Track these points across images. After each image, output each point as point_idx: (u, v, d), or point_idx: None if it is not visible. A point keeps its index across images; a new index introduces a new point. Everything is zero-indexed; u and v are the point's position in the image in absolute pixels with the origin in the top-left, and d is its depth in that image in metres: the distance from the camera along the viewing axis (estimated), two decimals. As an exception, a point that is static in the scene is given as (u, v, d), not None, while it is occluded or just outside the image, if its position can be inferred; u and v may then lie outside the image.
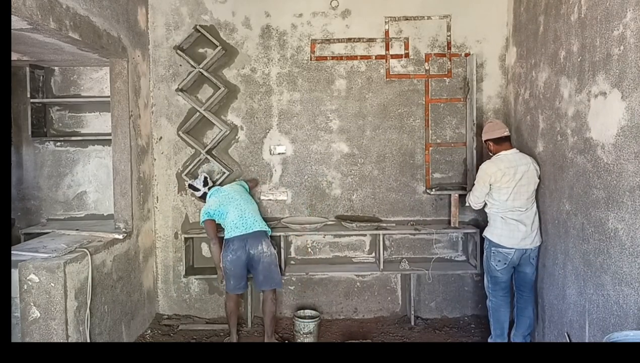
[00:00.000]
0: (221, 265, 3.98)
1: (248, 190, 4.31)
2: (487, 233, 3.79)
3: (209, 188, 4.27)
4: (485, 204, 3.82)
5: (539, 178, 3.70)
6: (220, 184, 4.46)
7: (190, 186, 4.35)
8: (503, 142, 3.74)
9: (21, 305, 2.99)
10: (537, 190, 3.76)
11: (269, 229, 4.09)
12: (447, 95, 4.61)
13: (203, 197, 4.30)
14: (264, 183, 4.65)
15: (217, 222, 4.06)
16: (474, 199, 3.83)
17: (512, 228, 3.64)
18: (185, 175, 4.50)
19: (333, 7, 4.58)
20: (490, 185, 3.68)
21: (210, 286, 4.69)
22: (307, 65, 4.61)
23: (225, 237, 3.97)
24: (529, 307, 3.79)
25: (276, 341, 4.12)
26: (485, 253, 3.81)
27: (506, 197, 3.63)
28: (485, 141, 3.85)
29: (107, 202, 4.64)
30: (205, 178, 4.32)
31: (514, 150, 3.74)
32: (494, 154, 3.77)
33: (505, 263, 3.68)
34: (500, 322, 3.82)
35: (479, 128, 4.56)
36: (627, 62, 2.60)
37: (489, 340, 3.93)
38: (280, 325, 4.51)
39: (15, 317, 3.01)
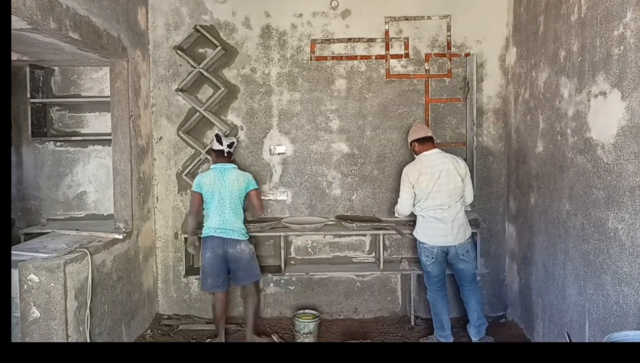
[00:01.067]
0: (200, 263, 4.01)
1: (247, 188, 3.96)
2: (414, 231, 3.93)
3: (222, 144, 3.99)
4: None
5: (466, 175, 3.81)
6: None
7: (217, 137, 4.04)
8: (426, 142, 3.86)
9: (21, 305, 2.99)
10: (536, 190, 3.76)
11: (247, 236, 4.00)
12: (447, 95, 4.61)
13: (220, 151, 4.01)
14: (264, 184, 4.65)
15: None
16: (400, 203, 3.89)
17: (431, 226, 3.78)
18: (185, 175, 4.50)
19: (333, 7, 4.58)
20: (412, 186, 3.77)
21: (210, 286, 4.69)
22: (307, 65, 4.60)
23: (203, 235, 3.94)
24: (471, 300, 3.93)
25: (258, 339, 4.10)
26: (418, 250, 3.95)
27: (425, 196, 3.73)
28: (410, 143, 3.96)
29: (107, 202, 4.64)
30: (231, 144, 4.04)
31: (436, 150, 3.83)
32: (417, 155, 3.87)
33: (433, 258, 3.82)
34: (438, 314, 3.96)
35: (479, 128, 4.57)
36: (627, 62, 2.60)
37: (434, 334, 4.05)
38: (280, 325, 4.51)
39: (15, 317, 3.01)
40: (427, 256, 3.83)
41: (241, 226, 3.95)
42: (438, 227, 3.75)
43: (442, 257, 3.82)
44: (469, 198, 3.87)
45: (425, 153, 3.81)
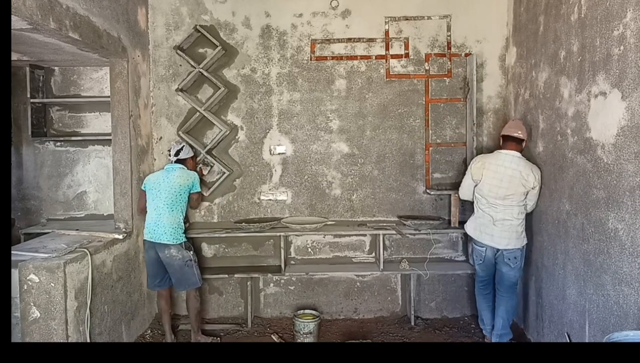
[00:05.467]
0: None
1: (190, 187, 3.98)
2: (466, 226, 3.96)
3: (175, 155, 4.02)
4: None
5: (534, 188, 3.67)
6: (220, 181, 4.40)
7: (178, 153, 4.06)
8: (507, 141, 3.76)
9: (21, 305, 2.99)
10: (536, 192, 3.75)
11: (179, 240, 3.86)
12: (447, 95, 4.61)
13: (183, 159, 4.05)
14: (264, 183, 4.65)
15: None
16: (461, 187, 4.02)
17: (482, 222, 3.78)
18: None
19: (333, 7, 4.58)
20: (471, 176, 3.83)
21: (210, 286, 4.69)
22: (307, 65, 4.60)
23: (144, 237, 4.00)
24: (501, 307, 3.83)
25: (203, 338, 4.13)
26: (470, 248, 4.03)
27: (482, 191, 3.75)
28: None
29: (107, 202, 4.64)
30: (179, 150, 4.02)
31: (514, 153, 3.71)
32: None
33: (481, 260, 3.85)
34: (479, 310, 4.06)
35: (479, 128, 4.57)
36: (627, 62, 2.60)
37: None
38: (280, 325, 4.51)
39: (15, 317, 3.01)
40: (477, 256, 3.88)
41: (174, 229, 3.84)
42: (487, 225, 3.74)
43: (491, 259, 3.79)
44: (529, 208, 3.78)
45: (501, 151, 3.76)
